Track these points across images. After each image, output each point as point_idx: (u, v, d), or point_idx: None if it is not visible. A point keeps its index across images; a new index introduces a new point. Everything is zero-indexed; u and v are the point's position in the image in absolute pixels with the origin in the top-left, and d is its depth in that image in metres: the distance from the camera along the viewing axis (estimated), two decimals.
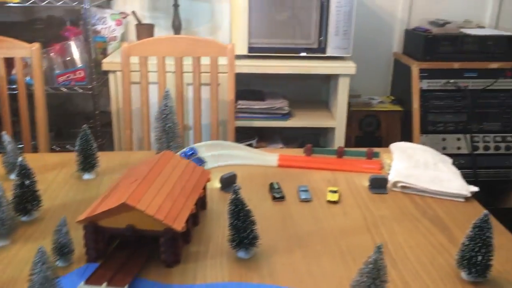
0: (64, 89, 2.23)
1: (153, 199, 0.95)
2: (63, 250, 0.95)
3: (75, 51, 2.22)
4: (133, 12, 2.50)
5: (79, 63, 2.23)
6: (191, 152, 1.46)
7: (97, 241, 0.96)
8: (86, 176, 1.36)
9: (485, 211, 0.88)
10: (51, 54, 2.22)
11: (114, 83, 2.25)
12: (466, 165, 2.43)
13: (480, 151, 2.45)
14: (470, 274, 0.91)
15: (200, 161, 1.43)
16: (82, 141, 1.32)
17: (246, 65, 2.28)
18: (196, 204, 1.07)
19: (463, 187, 1.29)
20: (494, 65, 2.46)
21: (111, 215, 0.94)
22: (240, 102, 2.39)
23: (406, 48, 2.71)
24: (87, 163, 1.34)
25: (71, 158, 1.43)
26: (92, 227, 0.95)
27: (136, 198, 0.93)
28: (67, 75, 2.22)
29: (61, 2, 2.13)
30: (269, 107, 2.41)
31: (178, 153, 1.43)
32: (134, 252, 0.98)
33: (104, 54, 2.44)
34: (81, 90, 2.23)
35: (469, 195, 1.28)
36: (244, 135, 2.50)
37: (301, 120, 2.44)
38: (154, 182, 1.01)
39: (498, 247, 1.03)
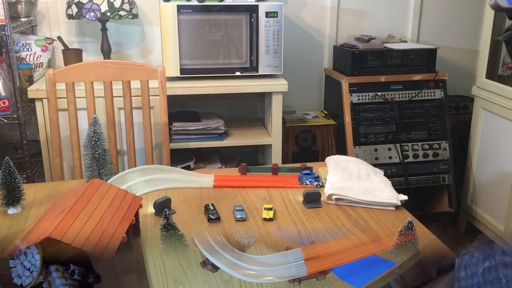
0: None
1: (80, 230, 0.92)
2: None
3: None
4: (59, 38, 2.43)
5: (2, 92, 2.13)
6: None
7: None
8: (11, 211, 1.29)
9: (409, 219, 0.91)
10: None
11: (42, 111, 2.17)
12: (398, 173, 2.53)
13: (410, 159, 2.56)
14: None
15: None
16: (4, 174, 1.26)
17: (179, 87, 2.27)
18: (128, 232, 1.04)
19: (393, 197, 1.34)
20: (418, 77, 2.59)
21: None
22: (175, 124, 2.37)
23: (335, 64, 2.80)
24: (12, 197, 1.28)
25: None
26: None
27: (61, 230, 0.89)
28: None
29: None
30: (205, 127, 2.40)
31: None
32: None
33: (31, 81, 2.35)
34: (5, 120, 2.13)
35: (399, 203, 1.32)
36: (181, 157, 2.47)
37: (237, 139, 2.45)
38: (81, 213, 0.98)
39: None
